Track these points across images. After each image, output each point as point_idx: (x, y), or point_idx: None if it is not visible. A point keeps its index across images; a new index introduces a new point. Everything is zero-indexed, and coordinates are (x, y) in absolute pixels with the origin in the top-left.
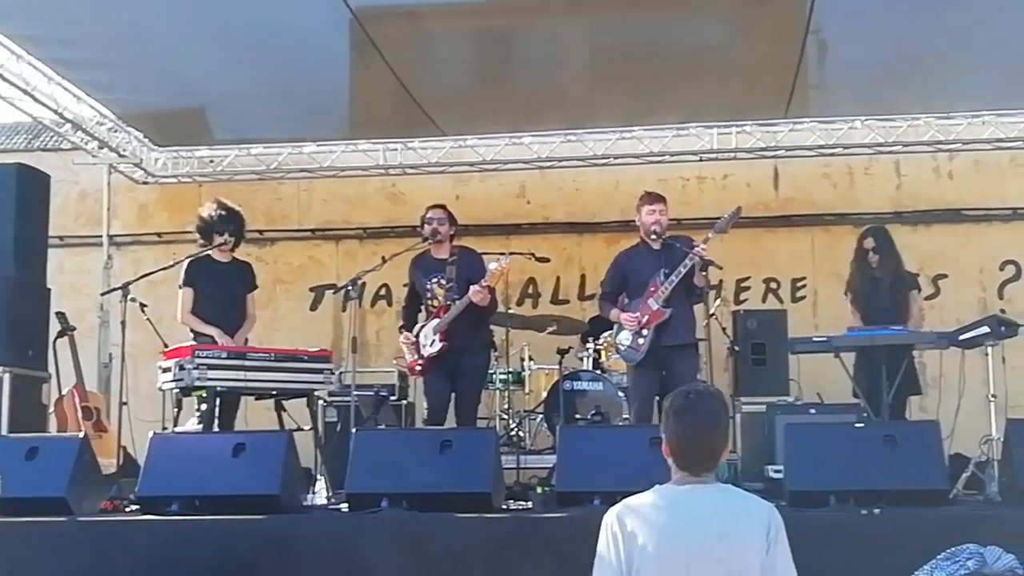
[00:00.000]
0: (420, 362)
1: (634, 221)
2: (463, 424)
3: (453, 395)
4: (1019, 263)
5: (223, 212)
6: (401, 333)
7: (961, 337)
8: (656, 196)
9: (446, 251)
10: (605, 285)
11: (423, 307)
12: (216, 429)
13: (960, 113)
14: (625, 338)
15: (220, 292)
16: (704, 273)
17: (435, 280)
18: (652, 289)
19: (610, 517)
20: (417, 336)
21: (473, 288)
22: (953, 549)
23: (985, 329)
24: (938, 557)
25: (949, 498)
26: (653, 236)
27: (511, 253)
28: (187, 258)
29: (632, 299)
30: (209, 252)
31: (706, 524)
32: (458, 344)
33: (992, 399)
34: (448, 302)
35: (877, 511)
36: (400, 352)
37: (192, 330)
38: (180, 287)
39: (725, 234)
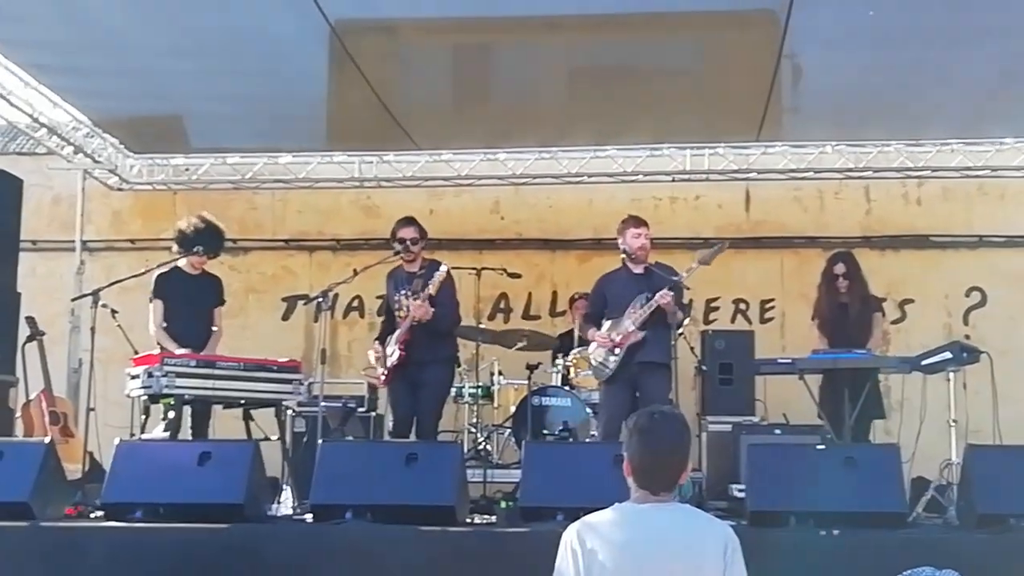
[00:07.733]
0: (385, 373)
1: (606, 239)
2: (423, 437)
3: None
4: (984, 290)
5: (210, 230)
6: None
7: (924, 362)
8: (640, 220)
9: (418, 264)
10: (587, 307)
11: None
12: (189, 437)
13: (929, 141)
14: (598, 355)
15: (188, 306)
16: (684, 303)
17: (403, 292)
18: (631, 311)
19: (570, 534)
20: (384, 348)
21: (414, 303)
22: (909, 572)
23: (947, 355)
24: None
25: (908, 521)
26: (635, 260)
27: (483, 269)
28: (157, 266)
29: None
30: (178, 264)
31: (665, 543)
32: (419, 356)
33: (953, 424)
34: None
35: (836, 532)
36: (368, 364)
37: (160, 345)
38: (150, 300)
39: (708, 266)
